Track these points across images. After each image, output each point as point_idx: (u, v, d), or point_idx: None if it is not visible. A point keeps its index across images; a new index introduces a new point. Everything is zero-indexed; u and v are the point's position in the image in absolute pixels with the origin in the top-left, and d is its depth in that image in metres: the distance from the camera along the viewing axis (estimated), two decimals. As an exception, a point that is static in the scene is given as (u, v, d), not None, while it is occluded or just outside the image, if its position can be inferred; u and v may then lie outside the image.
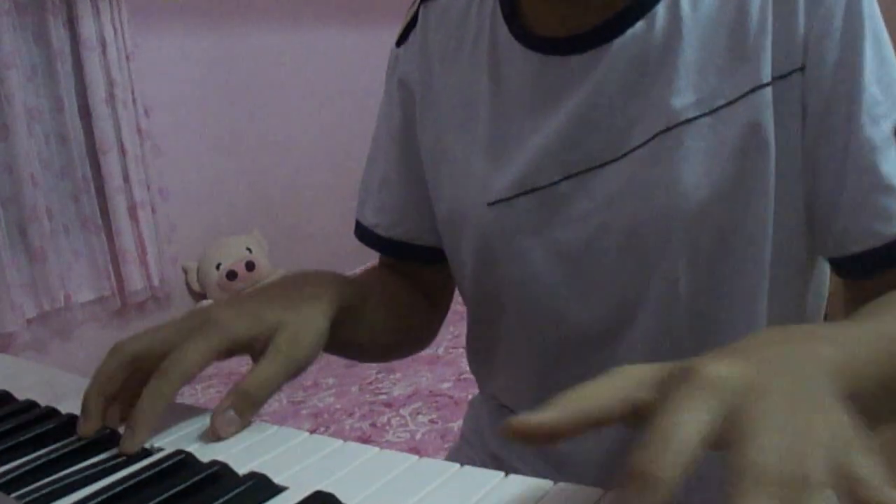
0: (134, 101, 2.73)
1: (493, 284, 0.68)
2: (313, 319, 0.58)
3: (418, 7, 0.72)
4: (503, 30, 0.65)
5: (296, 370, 0.56)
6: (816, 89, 0.56)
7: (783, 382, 0.32)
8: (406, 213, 0.74)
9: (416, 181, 0.73)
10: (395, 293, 0.75)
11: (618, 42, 0.59)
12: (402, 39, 0.73)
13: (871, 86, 0.55)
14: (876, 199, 0.55)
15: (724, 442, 0.30)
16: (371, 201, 0.76)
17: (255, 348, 0.55)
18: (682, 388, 0.32)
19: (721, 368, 0.32)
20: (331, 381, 2.40)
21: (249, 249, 3.06)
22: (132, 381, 0.53)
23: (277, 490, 0.44)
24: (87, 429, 0.52)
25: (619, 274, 0.61)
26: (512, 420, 0.35)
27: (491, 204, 0.64)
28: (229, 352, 0.55)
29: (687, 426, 0.30)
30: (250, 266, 3.01)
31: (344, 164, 3.58)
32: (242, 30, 3.23)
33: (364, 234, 0.77)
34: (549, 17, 0.63)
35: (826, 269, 0.67)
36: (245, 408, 0.52)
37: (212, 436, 0.50)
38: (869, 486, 0.28)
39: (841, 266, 0.59)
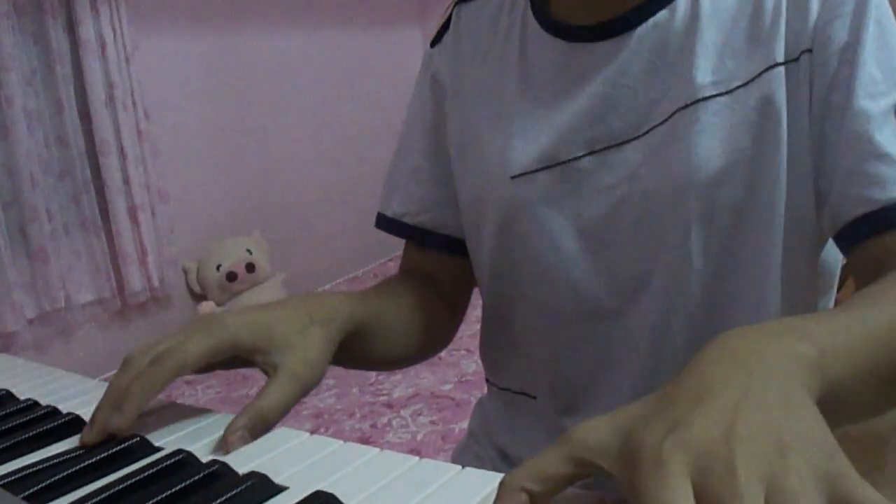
0: (133, 103, 2.73)
1: (511, 261, 0.71)
2: (321, 343, 0.59)
3: (452, 10, 0.77)
4: (533, 23, 0.69)
5: (306, 391, 0.56)
6: (821, 70, 0.58)
7: (746, 441, 0.31)
8: (434, 200, 0.77)
9: (444, 172, 0.76)
10: (413, 302, 0.76)
11: (641, 29, 0.63)
12: (436, 40, 0.78)
13: (870, 65, 0.57)
14: (869, 166, 0.56)
15: None
16: (399, 192, 0.79)
17: (257, 359, 0.56)
18: (651, 475, 0.31)
19: (680, 451, 0.31)
20: (331, 381, 2.40)
21: (249, 251, 3.06)
22: None
23: (277, 490, 0.44)
24: (91, 437, 0.51)
25: (635, 244, 0.64)
26: None
27: (514, 177, 0.67)
28: (230, 354, 0.56)
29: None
30: (250, 267, 3.01)
31: (345, 166, 3.59)
32: (242, 31, 3.23)
33: (389, 224, 0.79)
34: (576, 8, 0.67)
35: (837, 257, 0.68)
36: (259, 429, 0.52)
37: (222, 449, 0.50)
38: None
39: (839, 240, 0.59)
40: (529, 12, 0.70)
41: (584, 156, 0.64)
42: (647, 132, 0.62)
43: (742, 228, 0.61)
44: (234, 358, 0.56)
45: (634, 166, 0.63)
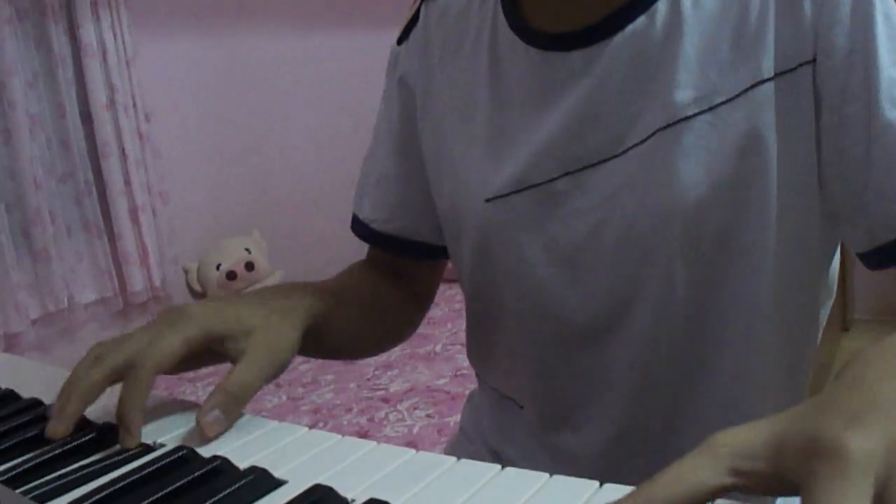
0: (134, 105, 2.74)
1: (491, 280, 0.69)
2: (287, 328, 0.60)
3: (420, 5, 0.72)
4: (504, 25, 0.65)
5: (273, 374, 0.57)
6: (830, 79, 0.54)
7: None
8: (402, 209, 0.75)
9: (413, 178, 0.74)
10: (373, 293, 0.77)
11: (618, 38, 0.58)
12: (403, 37, 0.74)
13: (889, 69, 0.53)
14: None
15: None
16: (368, 196, 0.77)
17: (227, 347, 0.56)
18: (829, 470, 0.28)
19: (867, 443, 0.28)
20: (329, 377, 2.41)
21: (248, 250, 3.07)
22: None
23: (277, 483, 0.45)
24: (58, 431, 0.51)
25: (615, 270, 0.61)
26: None
27: (489, 200, 0.64)
28: (202, 346, 0.56)
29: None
30: (250, 266, 3.02)
31: (342, 166, 3.58)
32: (242, 34, 3.24)
33: (360, 228, 0.78)
34: (550, 13, 0.62)
35: (836, 266, 0.66)
36: (230, 407, 0.52)
37: (199, 436, 0.51)
38: None
39: (876, 255, 0.56)
40: (500, 12, 0.65)
41: (559, 177, 0.61)
42: (625, 151, 0.58)
43: (729, 254, 0.58)
44: (203, 353, 0.56)
45: (613, 189, 0.59)
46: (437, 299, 0.82)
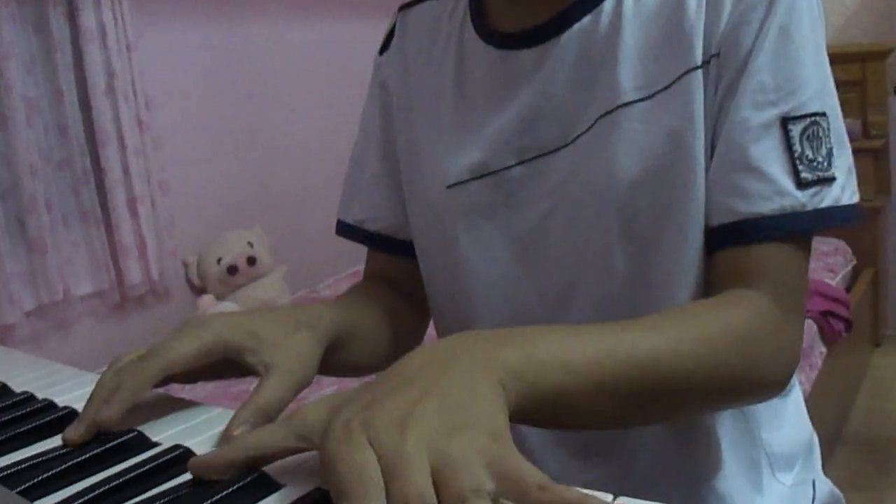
0: (134, 92, 2.71)
1: (452, 267, 0.71)
2: (309, 345, 0.61)
3: (397, 18, 0.79)
4: (469, 28, 0.70)
5: (301, 389, 0.58)
6: (722, 75, 0.59)
7: (419, 422, 0.37)
8: (392, 207, 0.78)
9: (397, 178, 0.78)
10: (382, 310, 0.78)
11: (566, 36, 0.63)
12: (384, 48, 0.80)
13: (762, 74, 0.57)
14: (738, 178, 0.57)
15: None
16: (358, 199, 0.81)
17: (247, 359, 0.57)
18: (336, 443, 0.38)
19: (363, 423, 0.38)
20: (332, 378, 2.40)
21: (251, 244, 3.06)
22: None
23: (276, 487, 0.44)
24: (77, 435, 0.52)
25: (562, 255, 0.65)
26: (190, 462, 0.45)
27: (449, 187, 0.69)
28: (218, 355, 0.56)
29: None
30: (251, 261, 3.00)
31: (346, 160, 3.59)
32: (246, 21, 3.22)
33: (350, 230, 0.81)
34: (506, 14, 0.68)
35: None
36: (259, 423, 0.52)
37: (224, 443, 0.51)
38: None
39: (706, 244, 0.61)
40: (468, 18, 0.71)
41: (514, 165, 0.66)
42: (573, 140, 0.63)
43: (663, 237, 0.61)
44: (223, 363, 0.57)
45: (562, 176, 0.64)
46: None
